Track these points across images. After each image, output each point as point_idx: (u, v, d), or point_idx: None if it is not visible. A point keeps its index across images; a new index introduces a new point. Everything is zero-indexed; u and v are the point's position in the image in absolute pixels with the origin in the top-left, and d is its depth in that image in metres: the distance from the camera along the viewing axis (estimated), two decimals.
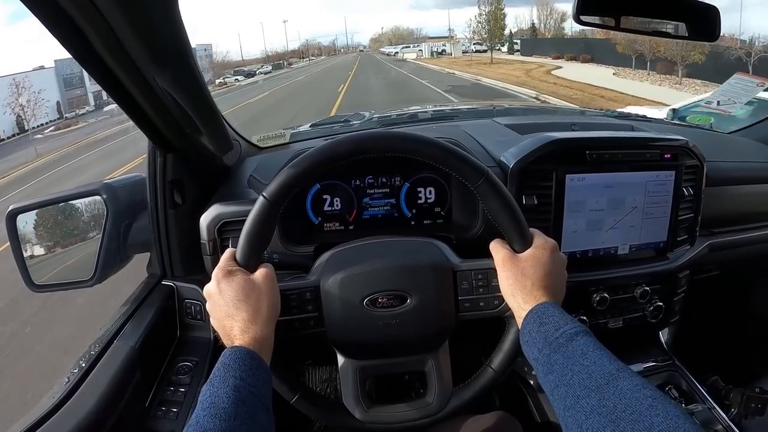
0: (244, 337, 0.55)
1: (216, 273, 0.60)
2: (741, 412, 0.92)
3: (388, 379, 0.85)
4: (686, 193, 0.89)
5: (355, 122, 1.21)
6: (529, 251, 0.61)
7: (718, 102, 1.25)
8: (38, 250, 0.91)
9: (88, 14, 0.49)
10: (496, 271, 0.63)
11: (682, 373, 0.94)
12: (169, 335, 0.86)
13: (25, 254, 0.86)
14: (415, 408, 0.67)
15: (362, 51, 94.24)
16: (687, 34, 0.90)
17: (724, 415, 0.88)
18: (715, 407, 0.89)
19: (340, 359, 0.68)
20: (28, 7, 0.48)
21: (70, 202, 0.90)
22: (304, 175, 0.60)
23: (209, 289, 0.60)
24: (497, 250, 0.63)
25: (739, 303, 1.27)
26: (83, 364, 0.73)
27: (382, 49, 68.97)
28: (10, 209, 0.85)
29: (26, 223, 0.89)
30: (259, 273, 0.60)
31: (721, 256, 1.00)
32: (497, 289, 0.63)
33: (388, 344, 0.65)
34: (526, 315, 0.57)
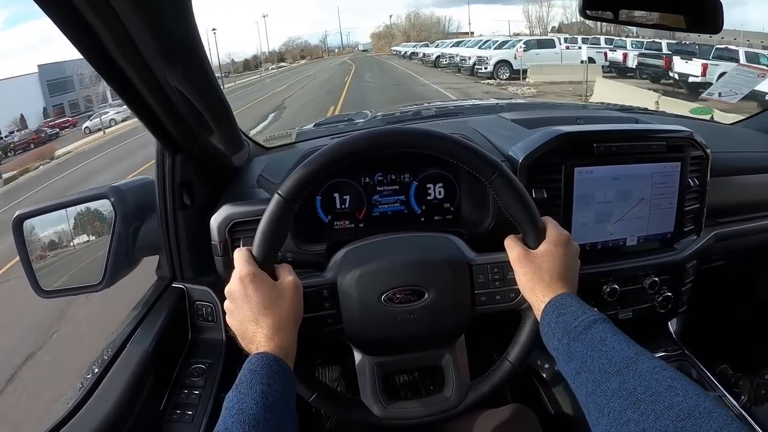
0: (270, 344, 0.55)
1: (241, 276, 0.58)
2: (751, 399, 0.93)
3: (399, 377, 0.85)
4: (692, 183, 0.90)
5: (359, 121, 1.21)
6: (543, 246, 0.62)
7: (719, 93, 1.26)
8: (45, 256, 0.90)
9: (101, 13, 0.48)
10: (511, 264, 0.63)
11: (692, 362, 0.95)
12: (181, 338, 0.85)
13: (32, 260, 0.86)
14: (434, 403, 0.67)
15: (365, 51, 64.31)
16: (689, 26, 0.91)
17: (735, 402, 0.88)
18: (725, 395, 0.90)
19: (357, 356, 0.68)
20: (41, 7, 0.48)
21: (78, 206, 0.90)
22: (319, 173, 0.60)
23: (233, 291, 0.59)
24: (512, 247, 0.63)
25: (746, 291, 1.28)
26: (96, 369, 0.72)
27: (396, 48, 40.38)
28: (16, 215, 0.84)
29: (33, 228, 0.88)
30: (287, 280, 0.59)
31: (727, 246, 1.02)
32: (513, 282, 0.63)
33: (405, 339, 0.66)
34: (545, 307, 0.58)
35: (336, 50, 73.69)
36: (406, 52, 33.58)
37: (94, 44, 0.53)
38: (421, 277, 0.64)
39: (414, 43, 38.74)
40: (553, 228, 0.64)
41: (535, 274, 0.60)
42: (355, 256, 0.66)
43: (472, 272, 0.65)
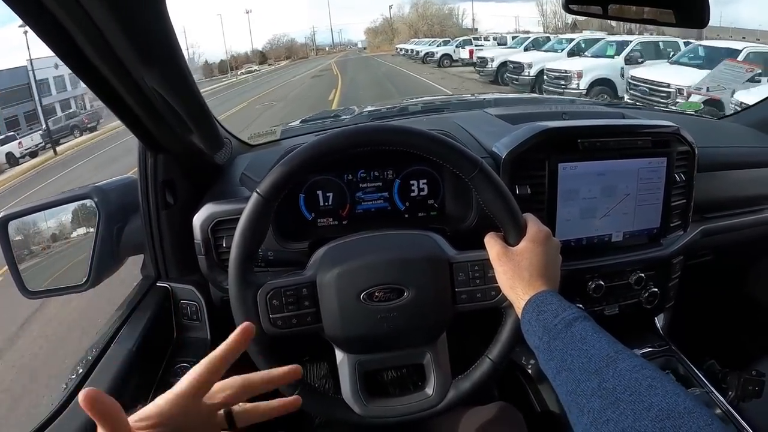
0: None
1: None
2: (738, 395, 0.92)
3: (387, 373, 0.85)
4: (678, 179, 0.90)
5: (345, 117, 1.21)
6: (523, 243, 0.61)
7: (708, 88, 1.25)
8: (31, 256, 0.90)
9: (73, 14, 0.48)
10: (491, 262, 0.63)
11: (678, 358, 0.94)
12: (166, 337, 0.85)
13: (18, 261, 0.85)
14: (415, 401, 0.67)
15: (363, 50, 52.51)
16: (678, 21, 0.91)
17: (722, 399, 0.88)
18: (712, 391, 0.89)
19: (338, 354, 0.68)
20: (13, 9, 0.47)
21: (62, 206, 0.89)
22: (297, 171, 0.60)
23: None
24: (492, 244, 0.63)
25: (733, 287, 1.28)
26: (81, 370, 0.72)
27: (404, 46, 29.71)
28: (0, 216, 0.84)
29: (18, 229, 0.88)
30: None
31: (714, 241, 1.01)
32: (493, 280, 0.63)
33: (385, 338, 0.65)
34: (525, 305, 0.57)
35: (327, 48, 61.81)
36: (418, 52, 23.13)
37: (69, 46, 0.53)
38: (400, 275, 0.64)
39: (429, 40, 27.85)
40: (533, 224, 0.63)
41: (514, 272, 0.60)
42: (335, 255, 0.66)
43: (452, 270, 0.65)
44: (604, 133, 0.85)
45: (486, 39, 21.48)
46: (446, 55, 19.48)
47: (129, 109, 0.66)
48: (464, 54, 18.47)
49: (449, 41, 22.06)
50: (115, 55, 0.55)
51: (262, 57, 53.53)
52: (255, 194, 0.60)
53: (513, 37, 18.11)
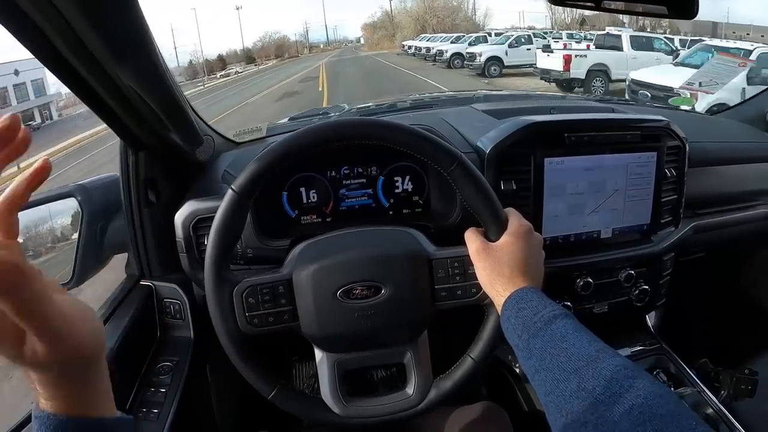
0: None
1: None
2: (731, 394, 0.91)
3: (368, 373, 0.84)
4: (669, 174, 0.88)
5: (333, 114, 1.20)
6: (503, 239, 0.60)
7: (700, 83, 1.24)
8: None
9: (43, 10, 0.48)
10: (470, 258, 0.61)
11: (670, 357, 0.93)
12: (148, 336, 0.85)
13: None
14: (395, 401, 0.66)
15: (360, 46, 50.14)
16: (669, 12, 0.89)
17: (714, 398, 0.87)
18: (704, 390, 0.88)
19: (318, 353, 0.67)
20: None
21: (44, 206, 0.89)
22: (271, 166, 0.59)
23: None
24: (471, 240, 0.62)
25: (726, 284, 1.26)
26: None
27: (413, 44, 24.25)
28: None
29: None
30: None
31: (706, 238, 1.00)
32: (474, 276, 0.62)
33: (364, 336, 0.64)
34: (505, 302, 0.56)
35: (321, 45, 57.78)
36: (442, 53, 16.60)
37: (42, 43, 0.52)
38: (378, 272, 0.63)
39: (443, 35, 22.83)
40: (514, 219, 0.62)
41: (494, 269, 0.58)
42: (311, 251, 0.65)
43: (431, 267, 0.64)
44: (591, 127, 0.84)
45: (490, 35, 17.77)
46: (457, 54, 15.51)
47: (108, 107, 0.66)
48: (523, 55, 12.79)
49: (460, 38, 17.99)
50: (88, 52, 0.55)
51: (248, 57, 49.14)
52: (230, 191, 0.59)
53: (497, 34, 16.53)
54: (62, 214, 0.90)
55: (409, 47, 24.75)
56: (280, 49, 52.81)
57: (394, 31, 44.89)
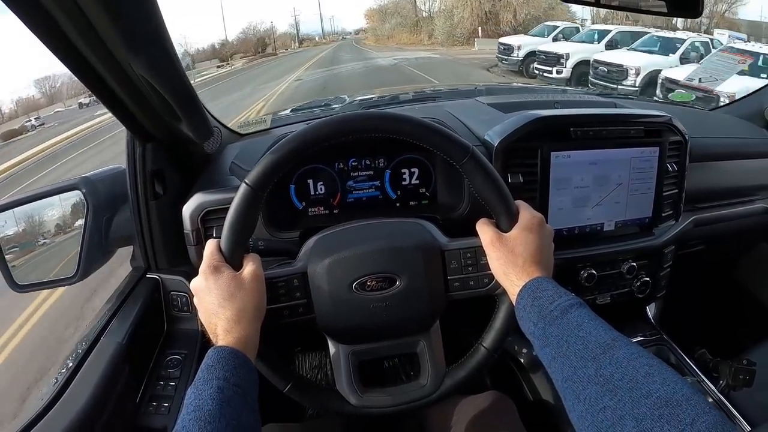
0: (228, 337, 0.54)
1: (203, 268, 0.58)
2: (729, 383, 0.93)
3: (380, 363, 0.85)
4: (670, 169, 0.90)
5: (335, 106, 1.20)
6: (516, 229, 0.61)
7: (700, 79, 1.25)
8: (18, 249, 0.89)
9: (60, 1, 0.47)
10: (483, 248, 0.62)
11: (670, 347, 0.95)
12: (156, 329, 0.84)
13: (5, 254, 0.84)
14: (409, 390, 0.67)
15: (359, 39, 37.88)
16: (670, 11, 0.90)
17: (713, 387, 0.89)
18: (704, 380, 0.90)
19: (331, 345, 0.68)
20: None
21: (49, 198, 0.88)
22: (286, 160, 0.59)
23: (196, 286, 0.59)
24: (484, 231, 0.62)
25: (724, 276, 1.29)
26: (70, 364, 0.71)
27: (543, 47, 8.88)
28: None
29: (5, 222, 0.87)
30: (247, 271, 0.58)
31: (706, 231, 1.02)
32: (486, 267, 0.62)
33: (378, 327, 0.65)
34: (520, 291, 0.57)
35: (316, 38, 45.18)
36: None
37: (55, 33, 0.52)
38: (392, 264, 0.63)
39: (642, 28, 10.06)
40: (525, 211, 0.63)
41: (508, 258, 0.59)
42: (325, 244, 0.65)
43: (444, 258, 0.65)
44: (596, 121, 0.85)
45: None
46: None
47: (116, 97, 0.65)
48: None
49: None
50: (101, 43, 0.54)
51: (222, 53, 36.32)
52: (243, 185, 0.59)
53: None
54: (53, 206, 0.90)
55: (510, 48, 11.52)
56: (263, 42, 40.40)
57: (418, 19, 29.18)
